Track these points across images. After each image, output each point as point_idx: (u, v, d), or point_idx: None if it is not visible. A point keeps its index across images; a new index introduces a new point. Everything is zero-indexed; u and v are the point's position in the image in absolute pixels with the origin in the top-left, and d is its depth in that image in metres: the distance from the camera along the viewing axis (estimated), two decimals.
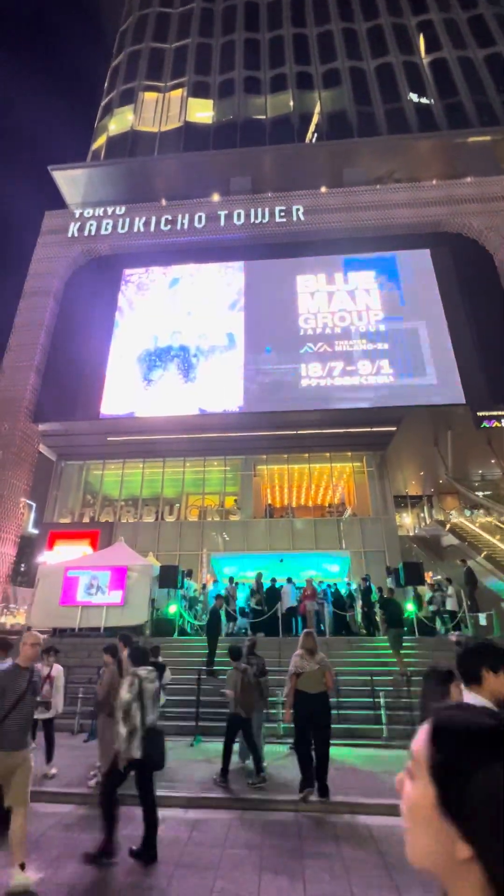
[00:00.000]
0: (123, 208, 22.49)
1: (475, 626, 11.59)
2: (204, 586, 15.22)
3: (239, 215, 21.62)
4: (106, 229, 21.98)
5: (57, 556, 16.70)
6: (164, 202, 23.05)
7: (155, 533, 19.05)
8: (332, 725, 5.52)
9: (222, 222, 21.58)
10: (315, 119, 25.92)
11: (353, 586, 13.36)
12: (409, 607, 11.82)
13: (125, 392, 18.67)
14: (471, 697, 2.00)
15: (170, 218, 21.95)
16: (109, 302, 20.80)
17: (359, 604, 12.42)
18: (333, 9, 29.76)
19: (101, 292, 20.98)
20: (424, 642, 10.69)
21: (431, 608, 12.41)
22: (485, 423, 16.11)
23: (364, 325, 18.94)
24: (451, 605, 12.11)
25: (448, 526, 19.80)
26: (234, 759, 5.98)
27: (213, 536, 18.97)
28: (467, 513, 21.53)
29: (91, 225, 22.13)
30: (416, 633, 11.20)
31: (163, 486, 20.66)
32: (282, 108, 26.44)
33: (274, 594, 12.03)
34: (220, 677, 7.99)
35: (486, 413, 16.27)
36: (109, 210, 22.56)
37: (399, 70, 26.72)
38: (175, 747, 6.62)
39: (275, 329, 19.22)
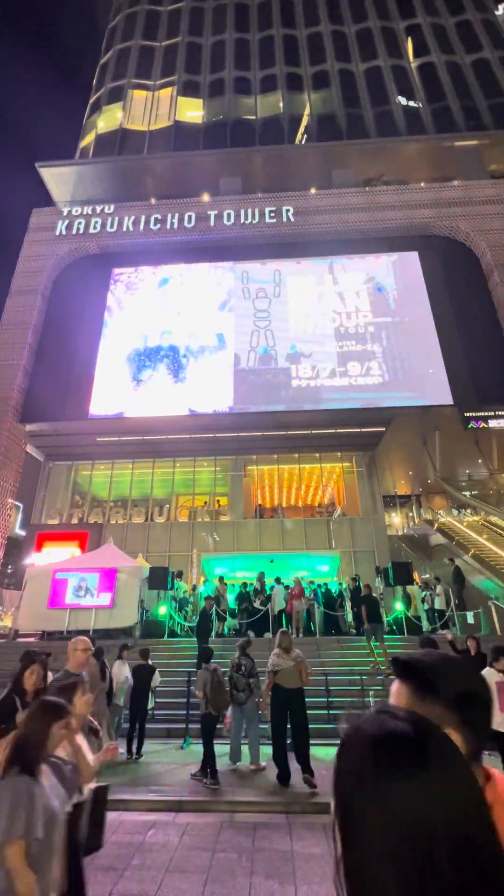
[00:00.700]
0: (112, 207, 22.31)
1: (463, 624, 11.73)
2: (194, 587, 15.17)
3: (229, 215, 21.60)
4: (95, 227, 21.78)
5: (45, 558, 16.50)
6: (153, 201, 22.92)
7: (144, 534, 18.93)
8: (322, 725, 5.59)
9: (212, 222, 21.54)
10: (305, 120, 26.02)
11: (344, 586, 13.43)
12: (398, 606, 11.92)
13: (114, 392, 18.52)
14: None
15: (159, 217, 21.83)
16: (98, 301, 20.62)
17: (349, 604, 12.49)
18: (323, 11, 29.89)
19: (90, 291, 20.79)
20: (413, 641, 10.78)
21: (425, 606, 12.52)
22: (472, 424, 16.33)
23: (353, 326, 19.06)
24: (439, 603, 12.24)
25: (436, 525, 20.01)
26: (226, 760, 5.97)
27: (203, 537, 18.92)
28: (455, 512, 21.80)
29: (79, 223, 21.91)
30: (406, 633, 11.29)
31: (152, 487, 20.55)
32: (272, 109, 26.48)
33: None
34: None
35: (473, 414, 16.48)
36: (98, 208, 22.36)
37: (388, 73, 26.95)
38: (165, 750, 6.59)
39: (264, 330, 19.24)
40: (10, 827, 1.65)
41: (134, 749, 6.48)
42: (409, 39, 28.31)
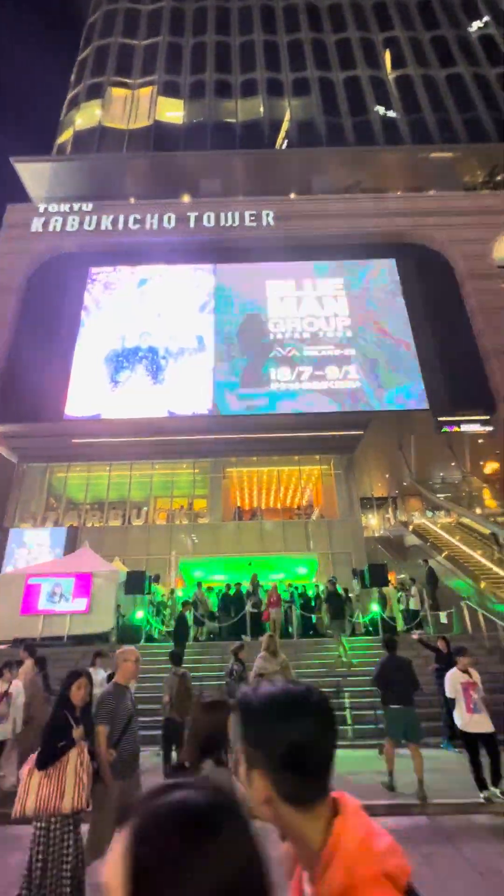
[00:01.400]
0: (90, 205, 21.99)
1: (436, 624, 12.03)
2: (172, 591, 15.06)
3: (209, 218, 21.59)
4: (72, 226, 21.41)
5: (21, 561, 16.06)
6: (132, 200, 22.72)
7: (122, 537, 18.66)
8: None
9: (192, 224, 21.48)
10: (285, 126, 26.26)
11: (321, 588, 13.57)
12: (374, 608, 12.13)
13: (91, 393, 18.23)
14: None
15: (138, 217, 21.64)
16: (75, 300, 20.27)
17: (325, 606, 12.61)
18: (303, 18, 30.27)
19: (67, 290, 20.41)
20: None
21: (401, 607, 12.77)
22: (445, 429, 16.78)
23: (332, 330, 19.33)
24: (413, 604, 12.51)
25: (411, 527, 20.46)
26: None
27: (181, 540, 18.80)
28: (429, 514, 22.32)
29: (56, 221, 21.49)
30: (381, 633, 11.49)
31: (130, 490, 20.29)
32: (252, 113, 26.62)
33: (240, 598, 12.06)
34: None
35: (447, 419, 16.94)
36: (76, 206, 21.99)
37: (366, 83, 27.48)
38: (143, 756, 6.52)
39: (244, 333, 19.31)
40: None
41: None
42: (387, 51, 28.96)
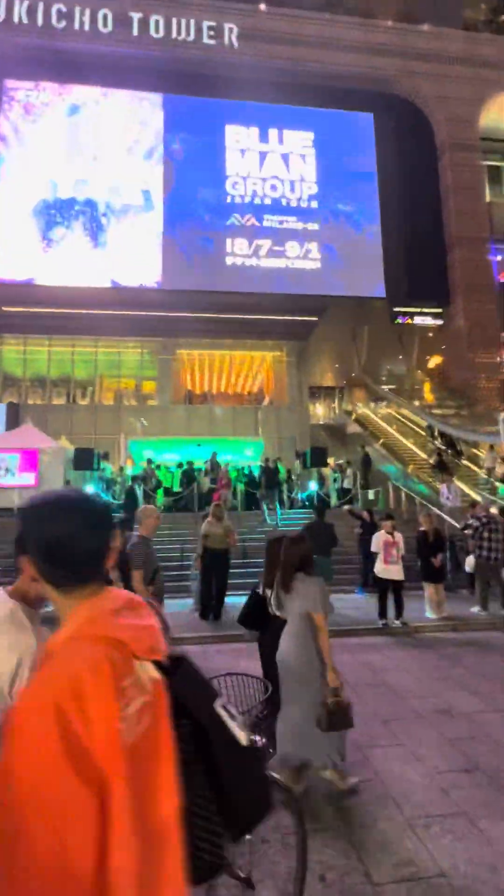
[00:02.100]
0: None
1: (364, 500, 13.52)
2: (121, 469, 15.41)
3: (157, 24, 17.13)
4: None
5: None
6: None
7: (67, 416, 18.17)
8: (242, 580, 6.59)
9: (135, 29, 17.02)
10: None
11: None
12: (312, 486, 13.29)
13: (21, 253, 15.91)
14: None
15: (64, 10, 16.70)
16: None
17: (263, 479, 13.55)
18: None
19: None
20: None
21: (336, 486, 14.11)
22: (398, 319, 16.78)
23: (296, 198, 17.45)
24: (347, 483, 13.84)
25: (354, 416, 21.53)
26: None
27: (130, 422, 18.67)
28: (372, 405, 23.44)
29: None
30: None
31: (73, 367, 19.22)
32: None
33: (191, 475, 12.66)
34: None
35: (402, 309, 16.85)
36: None
37: None
38: None
39: (199, 190, 16.95)
40: (325, 606, 2.64)
41: None
42: None
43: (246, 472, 13.61)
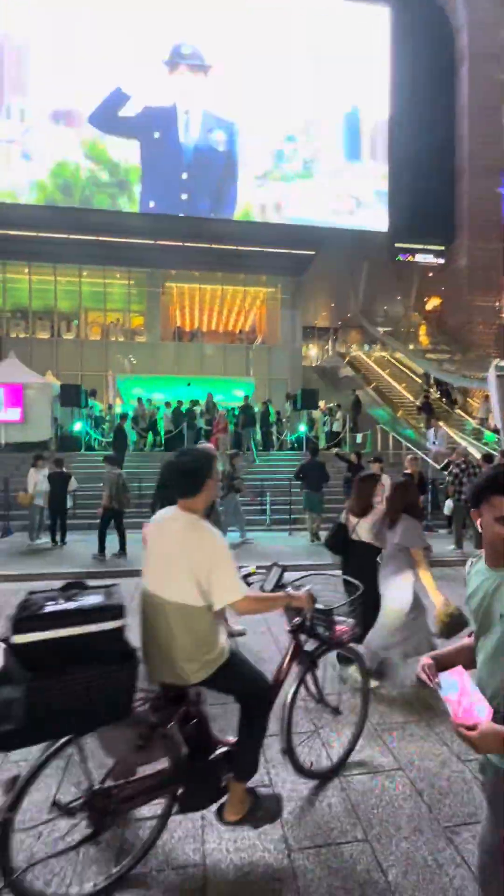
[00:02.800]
0: None
1: (353, 443, 13.67)
2: (110, 407, 15.22)
3: None
4: None
5: None
6: None
7: (52, 351, 17.57)
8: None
9: None
10: None
11: (256, 409, 14.37)
12: (302, 428, 13.33)
13: None
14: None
15: None
16: None
17: (242, 417, 13.52)
18: None
19: None
20: (306, 455, 12.46)
21: (325, 429, 14.17)
22: (399, 256, 16.00)
23: (298, 103, 15.76)
24: (337, 426, 13.90)
25: (347, 359, 21.19)
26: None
27: (118, 358, 18.13)
28: (366, 347, 23.00)
29: None
30: (304, 449, 12.92)
31: (56, 298, 18.25)
32: None
33: (180, 415, 12.57)
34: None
35: (404, 245, 16.01)
36: None
37: None
38: (86, 539, 7.51)
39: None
40: (423, 540, 3.00)
41: (58, 539, 7.35)
42: None
43: (236, 412, 13.53)
